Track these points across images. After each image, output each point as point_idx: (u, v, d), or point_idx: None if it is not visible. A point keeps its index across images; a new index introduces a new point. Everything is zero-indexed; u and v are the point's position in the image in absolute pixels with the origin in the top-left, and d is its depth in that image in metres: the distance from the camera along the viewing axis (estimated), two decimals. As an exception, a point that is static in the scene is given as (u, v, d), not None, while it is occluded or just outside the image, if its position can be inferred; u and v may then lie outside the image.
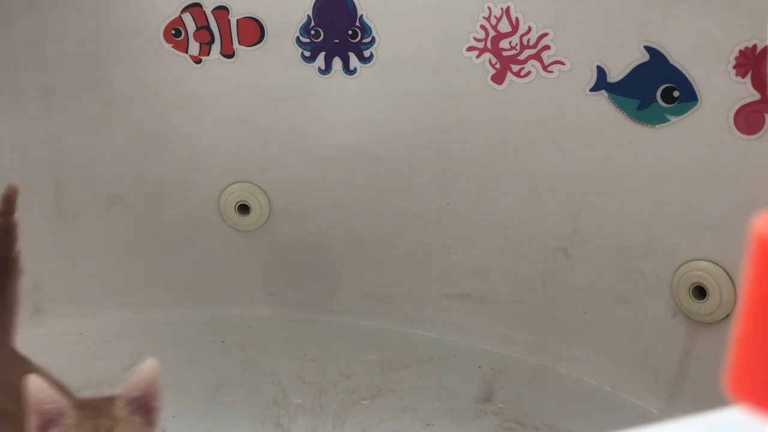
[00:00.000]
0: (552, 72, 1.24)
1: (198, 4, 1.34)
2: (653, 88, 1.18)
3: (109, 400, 0.82)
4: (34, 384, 0.77)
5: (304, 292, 1.50)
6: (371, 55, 1.33)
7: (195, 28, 1.35)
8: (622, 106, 1.22)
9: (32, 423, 0.78)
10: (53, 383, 0.82)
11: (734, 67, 1.11)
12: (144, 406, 0.84)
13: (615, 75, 1.21)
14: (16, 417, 0.82)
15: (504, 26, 1.24)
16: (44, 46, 1.37)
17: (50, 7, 1.35)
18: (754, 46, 1.10)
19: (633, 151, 1.23)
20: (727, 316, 1.20)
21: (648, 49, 1.17)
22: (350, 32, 1.32)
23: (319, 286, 1.49)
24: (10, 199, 1.01)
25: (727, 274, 1.19)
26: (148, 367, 0.84)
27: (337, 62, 1.34)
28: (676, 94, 1.17)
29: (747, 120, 1.13)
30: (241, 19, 1.34)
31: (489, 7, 1.24)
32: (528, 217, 1.33)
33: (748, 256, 0.29)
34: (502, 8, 1.24)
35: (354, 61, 1.33)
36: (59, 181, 1.45)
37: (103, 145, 1.43)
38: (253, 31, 1.34)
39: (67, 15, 1.36)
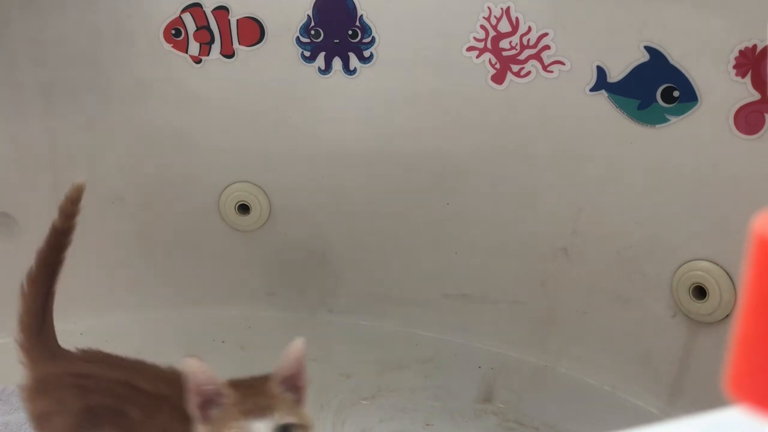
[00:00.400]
0: (552, 72, 1.24)
1: (198, 4, 1.34)
2: (653, 88, 1.18)
3: (263, 379, 0.86)
4: (193, 366, 0.82)
5: (304, 292, 1.50)
6: (371, 55, 1.33)
7: (195, 28, 1.35)
8: (622, 106, 1.22)
9: (192, 403, 0.83)
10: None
11: (734, 67, 1.11)
12: (293, 385, 0.88)
13: (615, 75, 1.21)
14: (170, 400, 0.86)
15: (504, 26, 1.24)
16: (44, 46, 1.37)
17: (50, 7, 1.35)
18: (754, 46, 1.10)
19: (633, 151, 1.23)
20: (727, 316, 1.20)
21: (648, 49, 1.17)
22: (350, 32, 1.32)
23: (319, 286, 1.49)
24: (75, 199, 0.99)
25: (727, 274, 1.19)
26: (296, 346, 0.88)
27: (337, 62, 1.34)
28: (676, 94, 1.17)
29: (747, 120, 1.13)
30: (241, 19, 1.34)
31: (489, 7, 1.24)
32: (528, 217, 1.33)
33: (748, 256, 0.29)
34: (502, 8, 1.24)
35: (354, 61, 1.33)
36: (59, 181, 1.45)
37: (103, 145, 1.43)
38: (253, 31, 1.34)
39: (67, 15, 1.36)
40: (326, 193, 1.44)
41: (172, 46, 1.37)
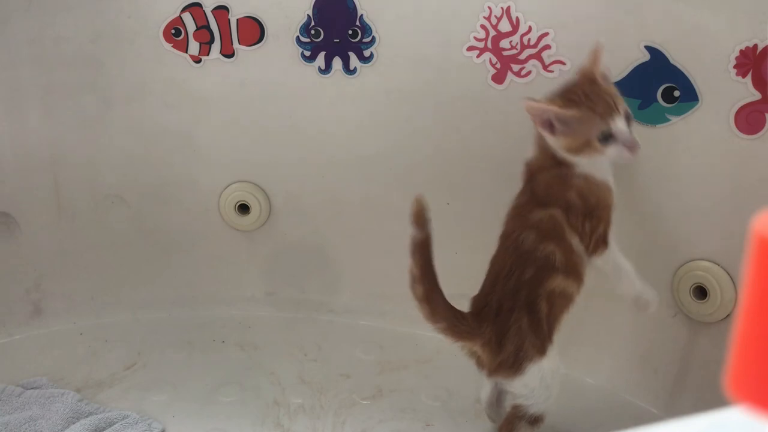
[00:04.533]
0: (552, 71, 1.24)
1: (198, 4, 1.34)
2: (654, 88, 1.18)
3: (589, 81, 1.00)
4: (530, 105, 0.99)
5: (304, 292, 1.50)
6: (371, 55, 1.33)
7: (195, 28, 1.35)
8: (622, 106, 1.21)
9: (538, 127, 1.01)
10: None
11: (735, 66, 1.11)
12: (604, 77, 1.00)
13: (615, 74, 1.20)
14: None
15: (504, 26, 1.24)
16: (44, 46, 1.37)
17: (50, 7, 1.35)
18: (755, 46, 1.10)
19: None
20: (728, 316, 1.20)
21: (648, 48, 1.17)
22: (350, 32, 1.32)
23: (319, 286, 1.49)
24: (422, 209, 1.03)
25: (728, 274, 1.19)
26: (595, 48, 1.01)
27: (337, 62, 1.34)
28: (676, 93, 1.17)
29: (747, 120, 1.13)
30: (241, 18, 1.34)
31: (489, 7, 1.24)
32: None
33: (748, 256, 0.29)
34: (502, 8, 1.24)
35: (354, 60, 1.33)
36: (59, 181, 1.45)
37: (103, 145, 1.44)
38: (253, 30, 1.34)
39: (67, 15, 1.36)
40: (326, 193, 1.44)
41: (172, 46, 1.37)
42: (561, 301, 1.05)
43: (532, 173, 1.06)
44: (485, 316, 1.06)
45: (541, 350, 1.05)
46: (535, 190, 1.05)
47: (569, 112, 0.97)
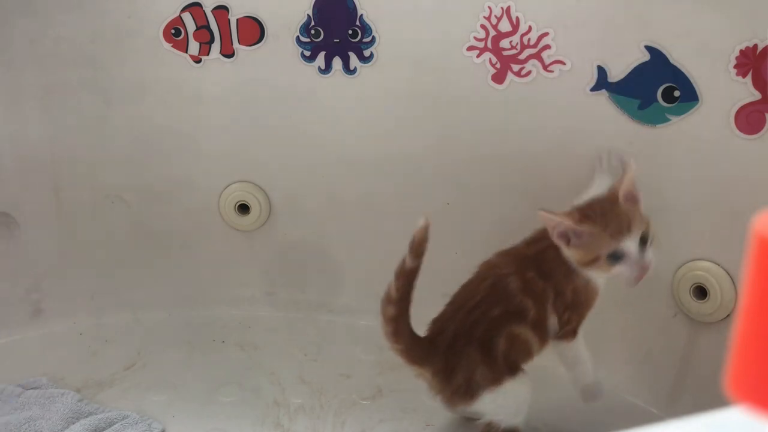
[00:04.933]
0: (552, 71, 1.24)
1: (198, 4, 1.34)
2: (654, 88, 1.18)
3: (610, 202, 0.99)
4: (545, 216, 0.99)
5: (304, 292, 1.50)
6: (371, 55, 1.33)
7: (195, 28, 1.35)
8: (622, 106, 1.21)
9: (554, 237, 1.00)
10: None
11: (735, 66, 1.11)
12: (630, 197, 0.99)
13: (615, 74, 1.20)
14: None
15: (504, 26, 1.24)
16: (44, 46, 1.37)
17: (50, 7, 1.35)
18: (755, 46, 1.10)
19: (633, 150, 1.23)
20: (728, 316, 1.20)
21: (648, 48, 1.17)
22: (350, 32, 1.32)
23: (319, 286, 1.49)
24: (423, 239, 1.04)
25: (728, 274, 1.19)
26: (631, 166, 1.00)
27: (337, 62, 1.34)
28: (676, 93, 1.17)
29: (748, 120, 1.13)
30: (241, 18, 1.34)
31: (489, 7, 1.24)
32: (528, 217, 1.32)
33: (748, 256, 0.29)
34: (502, 8, 1.24)
35: (354, 60, 1.33)
36: (59, 181, 1.45)
37: (103, 145, 1.43)
38: (253, 30, 1.34)
39: (67, 15, 1.36)
40: (326, 193, 1.44)
41: (172, 46, 1.37)
42: (521, 348, 1.07)
43: (549, 237, 1.03)
44: (438, 345, 1.08)
45: (495, 381, 1.06)
46: (542, 259, 1.06)
47: (579, 227, 0.98)
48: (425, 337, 1.09)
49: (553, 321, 1.07)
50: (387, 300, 1.06)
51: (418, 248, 1.03)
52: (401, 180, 1.39)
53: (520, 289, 1.05)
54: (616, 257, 0.97)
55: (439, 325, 1.10)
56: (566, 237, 1.00)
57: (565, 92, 1.24)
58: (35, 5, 1.35)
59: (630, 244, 0.97)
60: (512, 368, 1.07)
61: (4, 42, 1.36)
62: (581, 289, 1.05)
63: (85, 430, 1.17)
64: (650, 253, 0.98)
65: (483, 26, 1.26)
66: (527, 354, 1.08)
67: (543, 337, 1.08)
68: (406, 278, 1.05)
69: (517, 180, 1.32)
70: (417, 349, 1.07)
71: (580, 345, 1.10)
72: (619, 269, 0.98)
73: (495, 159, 1.33)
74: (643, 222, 0.99)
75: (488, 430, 1.12)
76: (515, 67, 1.26)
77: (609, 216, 0.97)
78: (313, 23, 1.33)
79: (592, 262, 0.99)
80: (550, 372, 1.33)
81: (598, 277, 1.04)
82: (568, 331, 1.08)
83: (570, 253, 1.01)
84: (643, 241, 0.98)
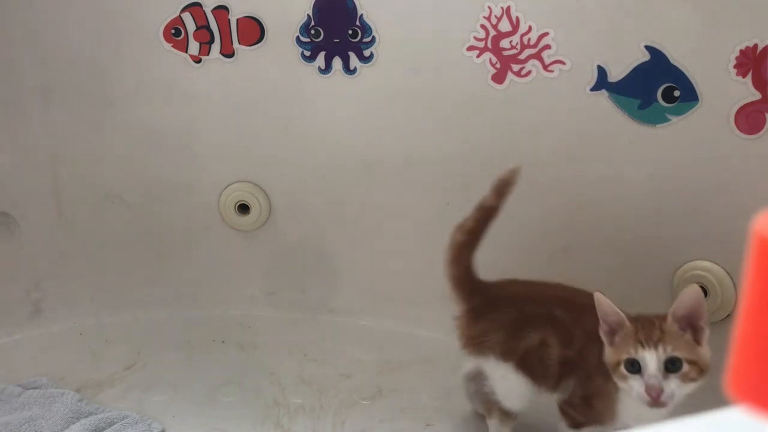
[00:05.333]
0: (552, 71, 1.24)
1: (198, 4, 1.34)
2: (654, 88, 1.18)
3: (662, 317, 0.93)
4: (600, 298, 0.94)
5: (304, 292, 1.50)
6: (371, 55, 1.33)
7: (195, 28, 1.35)
8: (622, 106, 1.21)
9: (601, 329, 0.96)
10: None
11: (735, 66, 1.11)
12: (691, 324, 0.93)
13: (615, 74, 1.20)
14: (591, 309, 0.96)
15: (504, 25, 1.24)
16: (44, 46, 1.37)
17: (50, 7, 1.35)
18: (755, 46, 1.10)
19: (633, 150, 1.23)
20: (728, 316, 1.20)
21: (649, 48, 1.17)
22: (350, 32, 1.32)
23: (319, 286, 1.49)
24: (509, 181, 1.07)
25: (728, 274, 1.19)
26: (692, 290, 0.92)
27: (337, 62, 1.34)
28: (676, 93, 1.17)
29: (748, 119, 1.13)
30: (240, 18, 1.34)
31: (489, 7, 1.24)
32: (528, 217, 1.33)
33: (748, 256, 0.29)
34: (502, 8, 1.23)
35: (354, 60, 1.33)
36: (59, 181, 1.45)
37: (103, 145, 1.43)
38: (253, 30, 1.34)
39: (68, 15, 1.36)
40: (326, 193, 1.44)
41: (172, 46, 1.37)
42: (539, 357, 1.05)
43: (616, 333, 0.97)
44: (486, 292, 1.10)
45: (505, 355, 1.07)
46: (598, 360, 0.99)
47: (620, 317, 0.94)
48: (480, 280, 1.11)
49: (570, 384, 1.04)
50: (460, 227, 1.09)
51: (500, 188, 1.06)
52: (401, 180, 1.39)
53: (578, 325, 1.03)
54: (633, 366, 0.91)
55: (505, 284, 1.12)
56: (611, 334, 0.95)
57: (565, 92, 1.24)
58: (36, 5, 1.35)
59: (649, 358, 0.90)
60: (522, 364, 1.07)
61: (4, 42, 1.36)
62: (602, 393, 0.99)
63: (85, 430, 1.17)
64: (673, 384, 0.89)
65: (483, 26, 1.26)
66: (539, 368, 1.06)
67: (559, 375, 1.05)
68: (484, 214, 1.07)
69: (518, 179, 1.32)
70: (466, 283, 1.10)
71: None
72: (633, 382, 0.91)
73: (495, 159, 1.33)
74: (681, 348, 0.91)
75: (490, 401, 1.13)
76: (515, 67, 1.26)
77: (648, 325, 0.93)
78: (313, 23, 1.33)
79: (616, 366, 0.93)
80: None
81: (623, 395, 0.96)
82: (572, 419, 1.05)
83: (607, 353, 0.96)
84: (672, 366, 0.90)
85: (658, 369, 0.90)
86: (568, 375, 1.04)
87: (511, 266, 1.36)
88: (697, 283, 1.20)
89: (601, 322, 0.96)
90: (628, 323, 0.94)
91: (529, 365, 1.07)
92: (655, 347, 0.90)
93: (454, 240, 1.09)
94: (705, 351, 0.93)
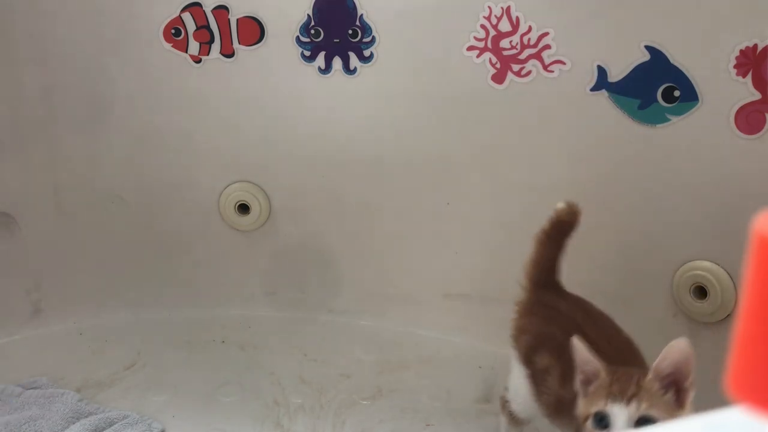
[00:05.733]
0: (552, 71, 1.24)
1: (198, 4, 1.34)
2: (654, 88, 1.18)
3: (642, 372, 0.85)
4: (577, 345, 0.87)
5: (304, 292, 1.50)
6: (371, 55, 1.32)
7: (195, 28, 1.35)
8: (622, 106, 1.21)
9: (577, 378, 0.88)
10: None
11: (735, 66, 1.11)
12: (675, 384, 0.84)
13: (615, 74, 1.20)
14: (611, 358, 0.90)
15: (504, 25, 1.24)
16: (45, 46, 1.37)
17: (51, 7, 1.35)
18: (755, 46, 1.10)
19: (633, 150, 1.23)
20: (728, 316, 1.20)
21: (649, 48, 1.17)
22: (350, 32, 1.32)
23: (319, 286, 1.49)
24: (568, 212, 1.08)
25: (728, 274, 1.19)
26: (679, 345, 0.84)
27: (337, 62, 1.34)
28: (676, 93, 1.17)
29: (748, 119, 1.13)
30: (241, 18, 1.34)
31: (489, 7, 1.24)
32: (528, 217, 1.32)
33: (748, 256, 0.29)
34: (502, 7, 1.23)
35: (354, 60, 1.33)
36: (59, 181, 1.45)
37: (103, 145, 1.43)
38: (253, 30, 1.34)
39: (68, 15, 1.36)
40: (326, 193, 1.43)
41: (172, 46, 1.37)
42: (544, 370, 1.02)
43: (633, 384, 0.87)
44: (553, 290, 1.08)
45: (525, 361, 1.06)
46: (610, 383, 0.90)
47: (596, 366, 0.87)
48: (556, 281, 1.09)
49: (564, 425, 1.00)
50: (546, 230, 1.09)
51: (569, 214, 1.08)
52: (401, 180, 1.39)
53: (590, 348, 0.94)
54: (601, 422, 0.84)
55: (572, 299, 1.09)
56: (587, 384, 0.88)
57: (565, 92, 1.24)
58: (36, 5, 1.35)
59: (618, 413, 0.82)
60: (532, 378, 1.06)
61: (5, 42, 1.36)
62: None
63: (85, 430, 1.17)
64: None
65: (483, 26, 1.25)
66: (540, 389, 1.03)
67: (555, 410, 1.01)
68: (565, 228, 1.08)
69: (517, 179, 1.32)
70: (542, 273, 1.08)
71: None
72: None
73: (494, 159, 1.33)
74: (659, 408, 0.82)
75: (503, 403, 1.13)
76: (515, 67, 1.26)
77: (624, 378, 0.85)
78: (313, 23, 1.32)
79: (585, 418, 0.86)
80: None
81: None
82: None
83: (579, 405, 0.89)
84: (643, 423, 0.82)
85: (627, 426, 0.81)
86: (562, 415, 0.99)
87: (511, 267, 1.36)
88: (697, 283, 1.21)
89: (578, 371, 0.88)
90: (603, 374, 0.86)
91: (535, 382, 1.05)
92: (628, 402, 0.82)
93: (540, 237, 1.08)
94: (686, 415, 0.83)
